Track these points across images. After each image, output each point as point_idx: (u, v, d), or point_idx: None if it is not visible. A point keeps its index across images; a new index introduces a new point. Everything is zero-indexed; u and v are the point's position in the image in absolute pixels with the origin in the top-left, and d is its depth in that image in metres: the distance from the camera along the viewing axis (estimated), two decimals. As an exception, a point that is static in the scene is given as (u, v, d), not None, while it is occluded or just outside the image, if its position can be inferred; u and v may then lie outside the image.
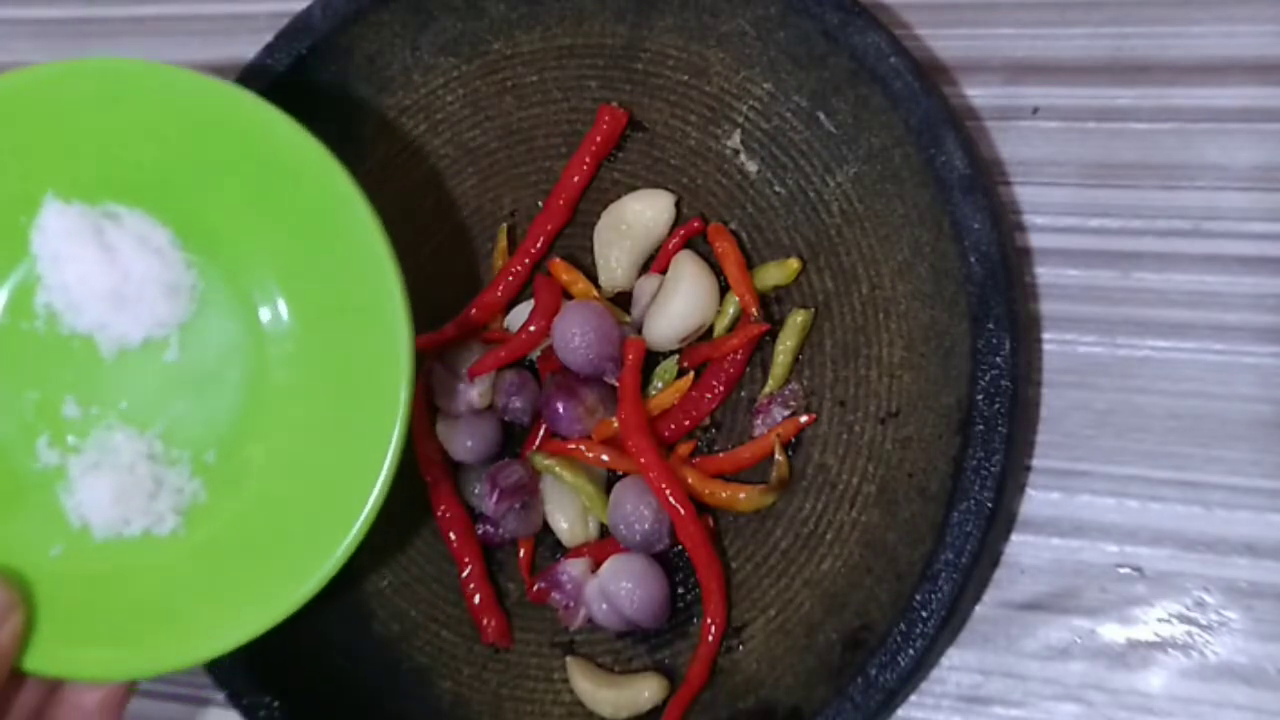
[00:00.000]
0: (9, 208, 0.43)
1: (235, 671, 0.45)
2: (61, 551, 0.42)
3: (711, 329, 0.46)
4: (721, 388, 0.46)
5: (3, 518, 0.43)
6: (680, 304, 0.45)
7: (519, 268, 0.49)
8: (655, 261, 0.48)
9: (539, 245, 0.49)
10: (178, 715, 0.51)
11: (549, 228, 0.49)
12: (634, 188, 0.48)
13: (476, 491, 0.48)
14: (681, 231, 0.47)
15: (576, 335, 0.45)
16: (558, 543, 0.47)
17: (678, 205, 0.48)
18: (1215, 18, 0.44)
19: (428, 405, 0.49)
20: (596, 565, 0.45)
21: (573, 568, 0.45)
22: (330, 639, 0.48)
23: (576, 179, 0.49)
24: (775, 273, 0.45)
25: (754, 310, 0.45)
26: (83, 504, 0.42)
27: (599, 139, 0.48)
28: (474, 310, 0.49)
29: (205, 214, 0.43)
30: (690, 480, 0.45)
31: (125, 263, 0.42)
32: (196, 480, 0.43)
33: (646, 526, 0.44)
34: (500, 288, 0.49)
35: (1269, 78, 0.43)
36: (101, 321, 0.43)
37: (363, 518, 0.40)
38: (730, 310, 0.46)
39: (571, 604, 0.45)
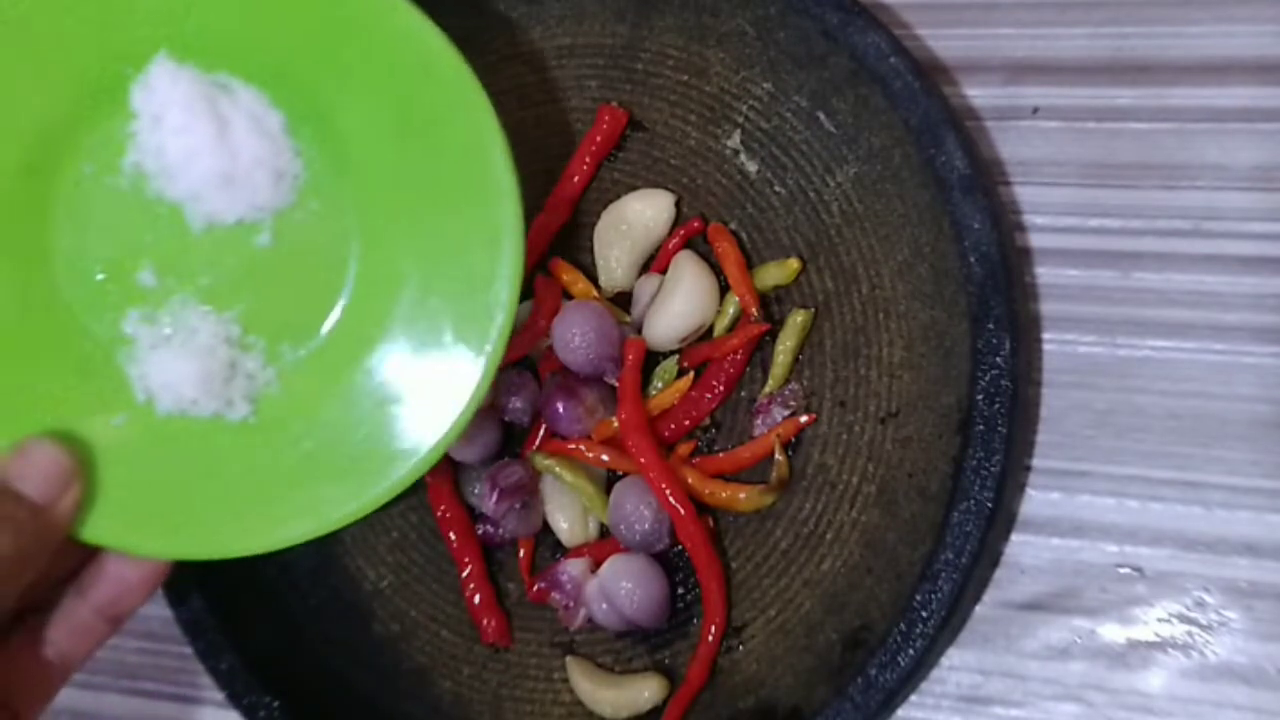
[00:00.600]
0: (114, 54, 0.41)
1: (235, 671, 0.45)
2: (124, 422, 0.41)
3: (711, 329, 0.46)
4: (721, 388, 0.46)
5: (66, 382, 0.41)
6: (680, 304, 0.45)
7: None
8: (655, 261, 0.48)
9: (539, 245, 0.49)
10: (178, 715, 0.51)
11: (549, 228, 0.49)
12: (634, 188, 0.48)
13: (476, 491, 0.48)
14: (681, 231, 0.47)
15: (576, 335, 0.45)
16: (558, 543, 0.47)
17: (678, 205, 0.48)
18: (1215, 18, 0.44)
19: None
20: (596, 565, 0.45)
21: (573, 568, 0.45)
22: (330, 639, 0.48)
23: (576, 179, 0.49)
24: (775, 273, 0.45)
25: (754, 310, 0.45)
26: (150, 376, 0.41)
27: (599, 139, 0.48)
28: None
29: (322, 103, 0.41)
30: (690, 480, 0.45)
31: (236, 140, 0.41)
32: (270, 369, 0.42)
33: (646, 526, 0.44)
34: None
35: (1269, 78, 0.43)
36: (196, 193, 0.41)
37: (450, 427, 0.40)
38: (730, 310, 0.46)
39: (571, 604, 0.45)
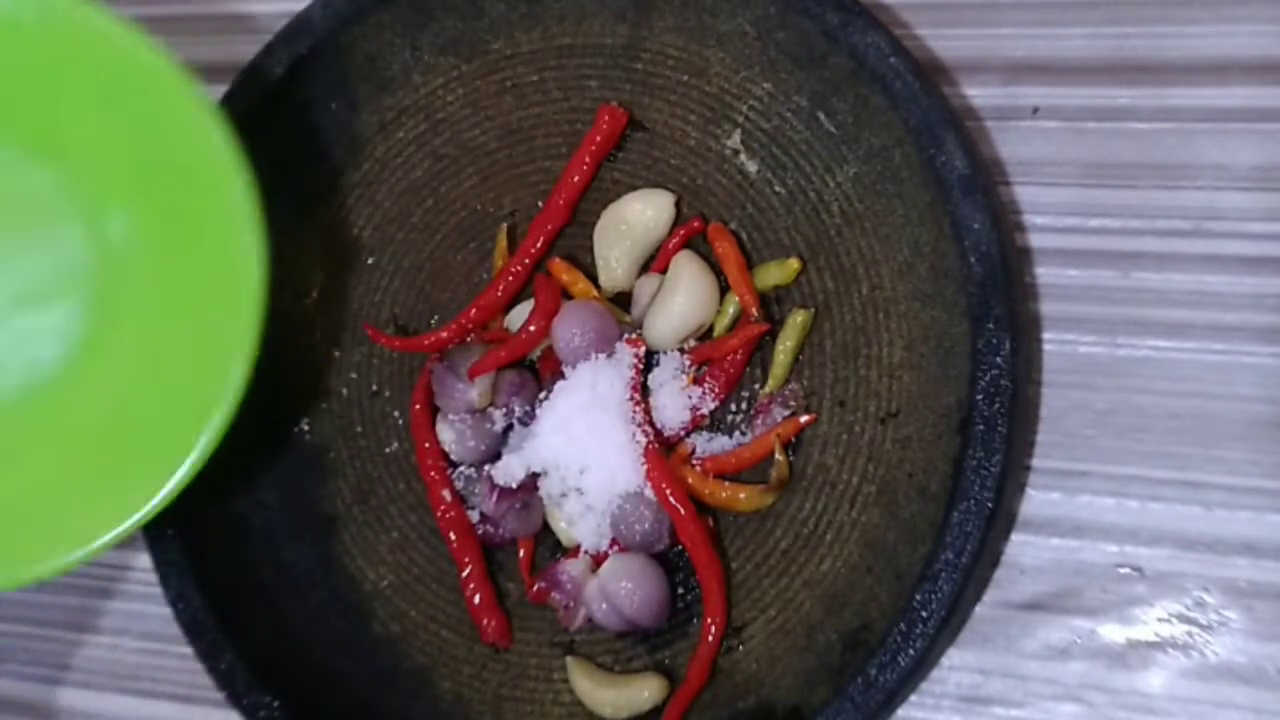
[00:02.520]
0: None
1: (235, 671, 0.45)
2: None
3: (711, 329, 0.46)
4: (721, 388, 0.46)
5: None
6: (680, 304, 0.45)
7: (519, 268, 0.49)
8: (655, 261, 0.48)
9: (539, 245, 0.49)
10: (178, 715, 0.51)
11: (549, 228, 0.49)
12: (634, 187, 0.48)
13: (477, 491, 0.48)
14: (681, 231, 0.47)
15: (576, 335, 0.45)
16: (558, 543, 0.47)
17: (678, 205, 0.48)
18: (1215, 18, 0.44)
19: (428, 405, 0.49)
20: (596, 565, 0.45)
21: (573, 568, 0.45)
22: (330, 639, 0.48)
23: (576, 179, 0.49)
24: (775, 273, 0.45)
25: (754, 310, 0.45)
26: None
27: (599, 139, 0.48)
28: (474, 310, 0.49)
29: (52, 125, 0.42)
30: (690, 480, 0.45)
31: None
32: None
33: (646, 526, 0.44)
34: (500, 288, 0.49)
35: (1269, 78, 0.43)
36: None
37: (199, 447, 0.41)
38: (730, 310, 0.46)
39: (571, 604, 0.45)
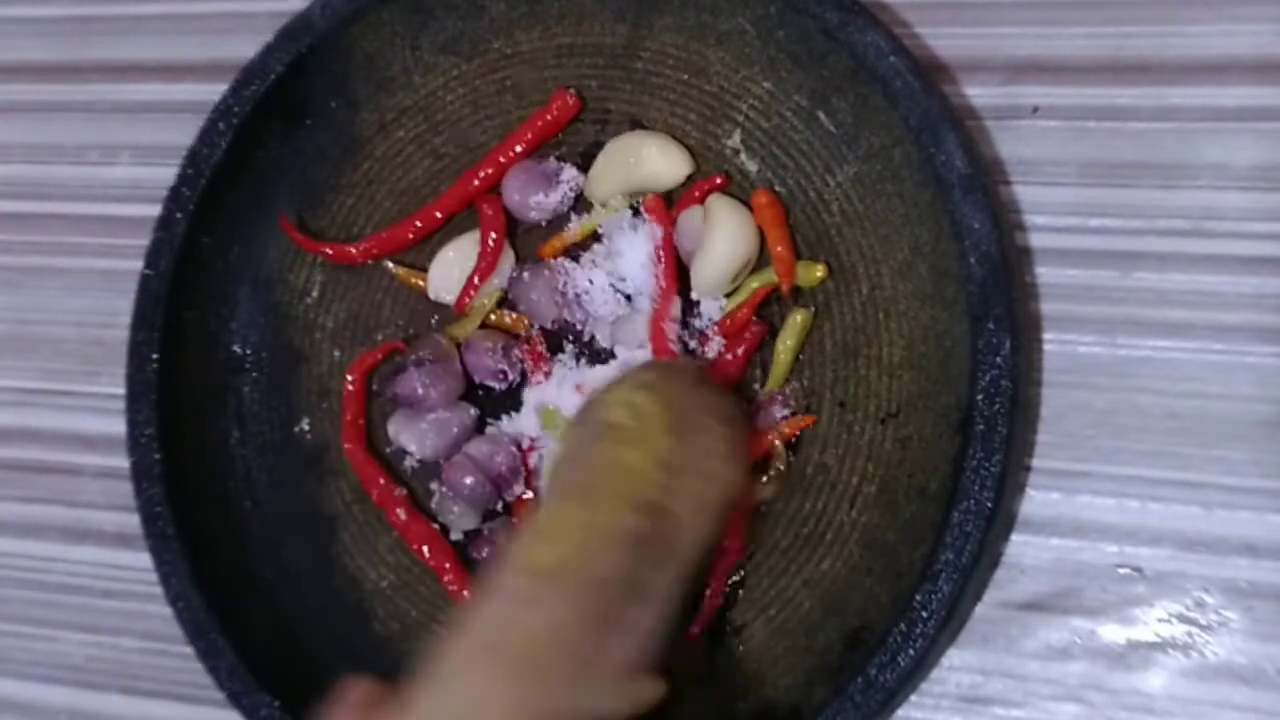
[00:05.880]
0: None
1: (235, 671, 0.45)
2: None
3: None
4: (722, 382, 0.46)
5: None
6: (722, 245, 0.45)
7: (453, 198, 0.49)
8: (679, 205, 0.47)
9: (476, 182, 0.49)
10: (178, 715, 0.51)
11: (489, 172, 0.49)
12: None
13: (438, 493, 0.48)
14: (705, 186, 0.47)
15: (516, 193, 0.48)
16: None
17: (690, 180, 0.47)
18: (1215, 17, 0.44)
19: (361, 440, 0.49)
20: None
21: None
22: (330, 639, 0.48)
23: (518, 148, 0.49)
24: (802, 274, 0.45)
25: (786, 284, 0.45)
26: None
27: (548, 118, 0.48)
28: (409, 232, 0.50)
29: None
30: None
31: None
32: None
33: None
34: (437, 210, 0.49)
35: (1269, 78, 0.43)
36: None
37: None
38: (753, 285, 0.45)
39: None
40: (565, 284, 0.48)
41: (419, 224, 0.50)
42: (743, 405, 0.44)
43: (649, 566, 0.35)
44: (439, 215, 0.50)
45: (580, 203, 0.49)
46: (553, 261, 0.48)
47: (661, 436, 0.37)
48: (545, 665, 0.32)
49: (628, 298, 0.47)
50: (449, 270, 0.49)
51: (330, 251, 0.50)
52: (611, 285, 0.47)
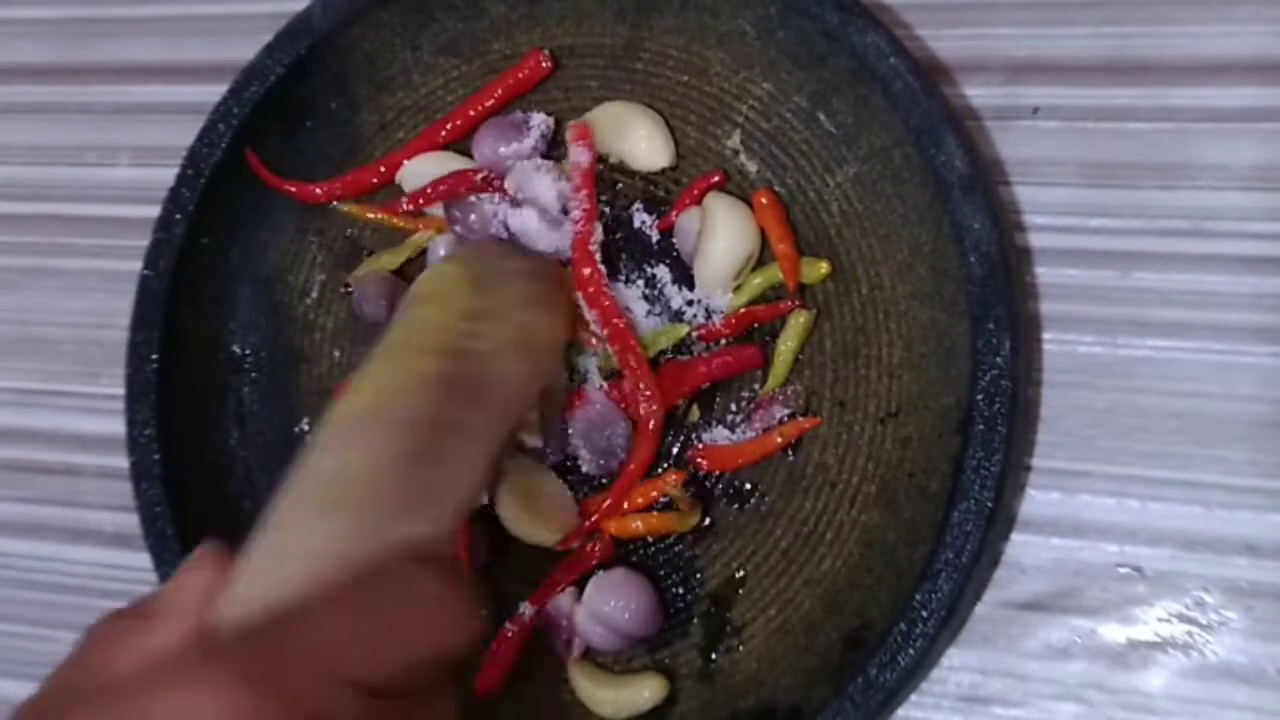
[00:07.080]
0: None
1: (235, 671, 0.45)
2: None
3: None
4: (717, 368, 0.46)
5: None
6: (723, 241, 0.45)
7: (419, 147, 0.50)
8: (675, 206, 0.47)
9: (444, 136, 0.49)
10: (177, 715, 0.51)
11: (457, 123, 0.49)
12: (634, 187, 0.48)
13: None
14: (702, 185, 0.47)
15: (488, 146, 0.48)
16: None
17: (673, 169, 0.47)
18: (1215, 18, 0.44)
19: None
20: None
21: (560, 603, 0.45)
22: (330, 639, 0.48)
23: (490, 103, 0.49)
24: (806, 271, 0.45)
25: (793, 282, 0.45)
26: None
27: (520, 76, 0.48)
28: (374, 177, 0.50)
29: None
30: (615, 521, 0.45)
31: None
32: None
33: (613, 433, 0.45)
34: (404, 157, 0.50)
35: (1269, 78, 0.43)
36: None
37: None
38: (756, 281, 0.45)
39: (568, 637, 0.45)
40: (503, 219, 0.48)
41: (383, 169, 0.50)
42: (556, 269, 0.46)
43: (461, 404, 0.37)
44: (406, 163, 0.50)
45: (556, 149, 0.49)
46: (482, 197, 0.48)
47: (462, 292, 0.40)
48: (361, 500, 0.34)
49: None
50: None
51: (294, 190, 0.50)
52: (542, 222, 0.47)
